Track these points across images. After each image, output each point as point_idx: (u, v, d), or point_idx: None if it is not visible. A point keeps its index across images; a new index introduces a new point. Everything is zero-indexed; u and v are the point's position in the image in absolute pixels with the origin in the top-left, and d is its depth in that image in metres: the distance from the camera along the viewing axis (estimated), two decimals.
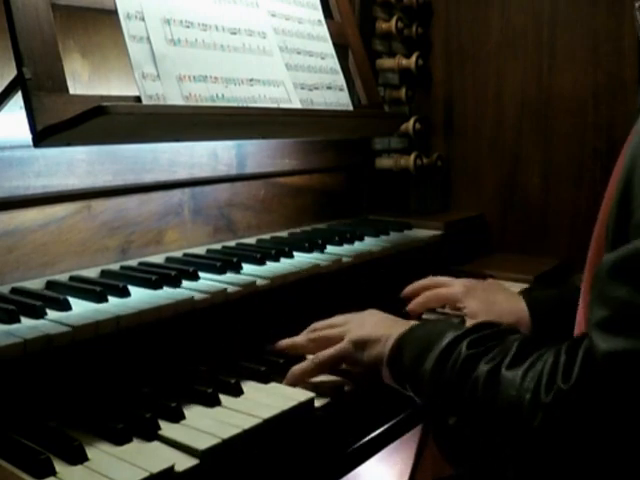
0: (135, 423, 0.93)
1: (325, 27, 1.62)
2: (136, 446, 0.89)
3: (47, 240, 1.22)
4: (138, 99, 1.13)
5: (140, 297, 1.13)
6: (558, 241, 2.02)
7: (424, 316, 1.40)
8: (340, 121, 1.58)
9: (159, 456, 0.87)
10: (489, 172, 2.13)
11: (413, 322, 1.13)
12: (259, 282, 1.27)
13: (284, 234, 1.67)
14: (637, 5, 1.07)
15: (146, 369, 1.09)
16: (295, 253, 1.45)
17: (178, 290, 1.18)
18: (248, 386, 1.08)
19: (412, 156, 2.03)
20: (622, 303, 0.79)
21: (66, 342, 0.98)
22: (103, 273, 1.27)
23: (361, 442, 1.05)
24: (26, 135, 1.02)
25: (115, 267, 1.30)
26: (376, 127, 1.77)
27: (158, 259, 1.38)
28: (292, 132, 1.55)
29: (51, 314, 1.04)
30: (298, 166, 1.77)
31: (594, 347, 0.80)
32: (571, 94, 1.98)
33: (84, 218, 1.28)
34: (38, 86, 1.02)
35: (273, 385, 1.10)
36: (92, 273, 1.26)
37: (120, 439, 0.90)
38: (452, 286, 1.40)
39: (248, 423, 0.95)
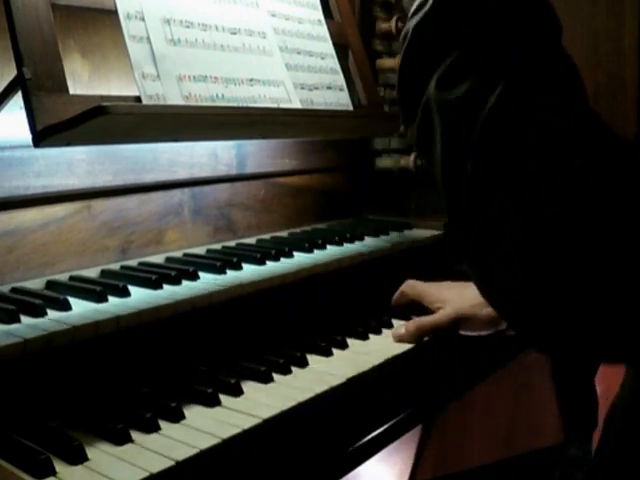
0: (135, 423, 0.93)
1: (325, 27, 1.62)
2: (136, 446, 0.89)
3: (47, 240, 1.22)
4: (138, 99, 1.13)
5: (140, 297, 1.13)
6: None
7: None
8: (340, 121, 1.58)
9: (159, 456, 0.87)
10: None
11: None
12: (259, 282, 1.27)
13: (284, 234, 1.67)
14: None
15: (146, 369, 1.09)
16: (295, 253, 1.45)
17: (178, 290, 1.18)
18: (248, 386, 1.08)
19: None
20: None
21: (66, 342, 0.98)
22: (103, 273, 1.27)
23: (361, 442, 1.05)
24: (26, 135, 1.02)
25: (115, 267, 1.30)
26: (376, 127, 1.77)
27: (158, 259, 1.38)
28: (292, 132, 1.55)
29: (51, 314, 1.04)
30: (298, 166, 1.77)
31: None
32: None
33: (84, 218, 1.28)
34: (38, 86, 1.02)
35: (273, 385, 1.10)
36: (92, 273, 1.26)
37: (120, 439, 0.90)
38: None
39: (248, 423, 0.95)
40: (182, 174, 1.46)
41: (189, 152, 1.48)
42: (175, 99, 1.18)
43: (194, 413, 0.98)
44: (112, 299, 1.12)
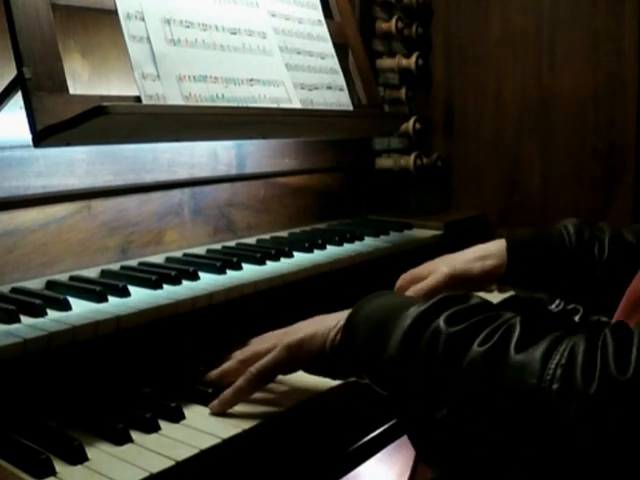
0: (135, 423, 0.93)
1: (325, 27, 1.62)
2: (136, 446, 0.89)
3: (47, 240, 1.22)
4: (138, 99, 1.13)
5: (140, 297, 1.13)
6: None
7: None
8: (340, 121, 1.58)
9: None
10: (489, 172, 2.13)
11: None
12: (259, 282, 1.27)
13: (284, 234, 1.67)
14: None
15: (146, 369, 1.09)
16: (295, 253, 1.45)
17: (178, 290, 1.18)
18: None
19: (412, 156, 2.03)
20: None
21: (66, 342, 0.98)
22: (103, 273, 1.27)
23: (361, 442, 1.05)
24: (26, 135, 1.02)
25: (115, 267, 1.30)
26: (376, 127, 1.77)
27: (158, 259, 1.38)
28: (292, 132, 1.55)
29: (51, 314, 1.04)
30: (298, 166, 1.77)
31: None
32: (571, 94, 1.98)
33: (84, 218, 1.28)
34: (38, 86, 1.02)
35: (274, 385, 1.10)
36: (92, 273, 1.26)
37: (120, 439, 0.90)
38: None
39: (248, 423, 0.95)
40: (182, 174, 1.46)
41: (189, 152, 1.48)
42: (175, 99, 1.18)
43: (194, 413, 0.98)
44: (112, 299, 1.12)
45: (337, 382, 1.09)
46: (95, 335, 1.01)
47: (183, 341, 1.16)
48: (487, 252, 1.31)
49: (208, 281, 1.24)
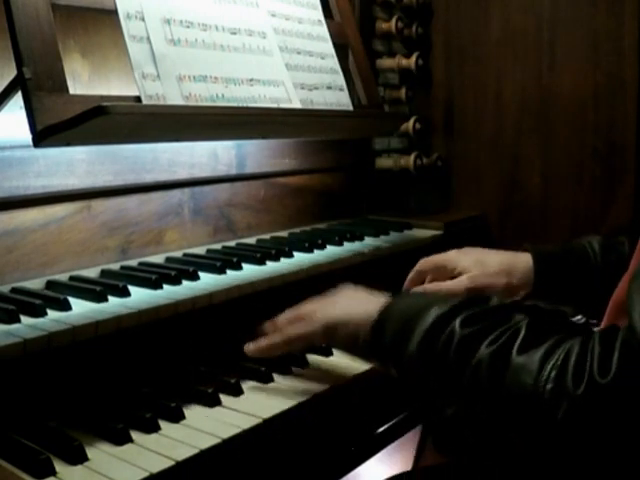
0: (135, 423, 0.93)
1: (325, 27, 1.62)
2: (136, 446, 0.89)
3: (47, 240, 1.22)
4: (138, 99, 1.13)
5: (140, 297, 1.13)
6: (558, 241, 2.01)
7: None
8: (340, 121, 1.58)
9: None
10: (489, 172, 2.13)
11: (388, 297, 1.07)
12: (259, 282, 1.27)
13: (284, 234, 1.67)
14: None
15: (146, 369, 1.09)
16: (295, 253, 1.45)
17: (178, 290, 1.18)
18: (248, 386, 1.08)
19: (412, 156, 2.03)
20: None
21: (66, 342, 0.98)
22: (103, 273, 1.27)
23: (361, 442, 1.05)
24: (26, 135, 1.02)
25: (115, 267, 1.30)
26: (376, 127, 1.77)
27: (158, 259, 1.38)
28: (292, 132, 1.55)
29: (51, 314, 1.04)
30: (298, 166, 1.77)
31: (636, 339, 0.76)
32: (571, 94, 1.97)
33: (84, 218, 1.28)
34: (38, 86, 1.02)
35: (274, 385, 1.10)
36: (92, 273, 1.26)
37: (120, 439, 0.90)
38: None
39: (248, 423, 0.95)
40: (182, 174, 1.46)
41: (189, 152, 1.48)
42: (175, 99, 1.18)
43: (194, 413, 0.98)
44: (112, 299, 1.12)
45: (338, 382, 1.10)
46: (95, 335, 1.01)
47: (183, 341, 1.16)
48: (513, 267, 1.31)
49: (208, 281, 1.24)
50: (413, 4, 2.10)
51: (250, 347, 1.09)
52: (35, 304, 1.03)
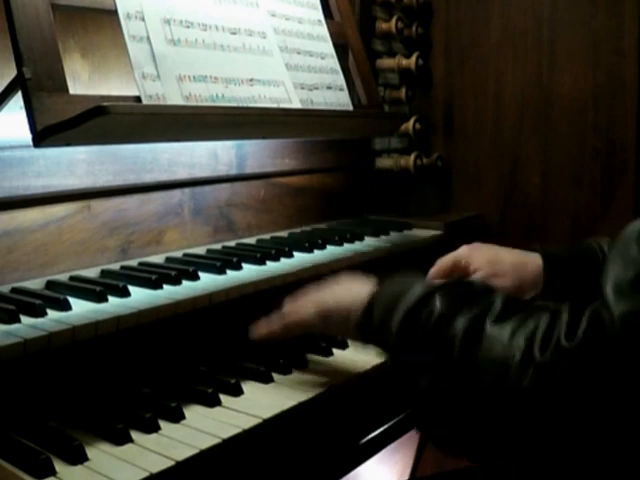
0: (135, 423, 0.93)
1: (325, 27, 1.62)
2: (136, 446, 0.89)
3: (47, 240, 1.22)
4: (138, 99, 1.13)
5: (140, 297, 1.13)
6: (558, 241, 2.01)
7: None
8: (340, 121, 1.58)
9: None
10: (489, 172, 2.13)
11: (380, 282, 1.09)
12: (259, 282, 1.27)
13: (284, 234, 1.67)
14: None
15: (146, 369, 1.09)
16: (295, 253, 1.45)
17: (178, 290, 1.18)
18: (248, 386, 1.08)
19: (412, 156, 2.03)
20: None
21: (66, 342, 0.98)
22: (103, 273, 1.27)
23: (361, 442, 1.05)
24: (26, 135, 1.02)
25: (115, 267, 1.30)
26: (376, 127, 1.77)
27: (158, 259, 1.38)
28: (292, 132, 1.55)
29: (51, 314, 1.04)
30: (298, 166, 1.77)
31: (608, 308, 0.77)
32: (571, 94, 1.97)
33: (84, 218, 1.28)
34: (38, 86, 1.02)
35: (274, 385, 1.10)
36: (92, 273, 1.26)
37: (120, 439, 0.90)
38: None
39: (248, 423, 0.95)
40: (182, 174, 1.46)
41: (189, 152, 1.48)
42: (175, 99, 1.18)
43: (194, 413, 0.98)
44: (112, 299, 1.12)
45: (336, 382, 1.10)
46: (95, 335, 1.01)
47: (183, 341, 1.16)
48: (524, 268, 1.31)
49: (208, 281, 1.24)
50: (413, 4, 2.10)
51: (251, 332, 1.14)
52: (35, 304, 1.03)
